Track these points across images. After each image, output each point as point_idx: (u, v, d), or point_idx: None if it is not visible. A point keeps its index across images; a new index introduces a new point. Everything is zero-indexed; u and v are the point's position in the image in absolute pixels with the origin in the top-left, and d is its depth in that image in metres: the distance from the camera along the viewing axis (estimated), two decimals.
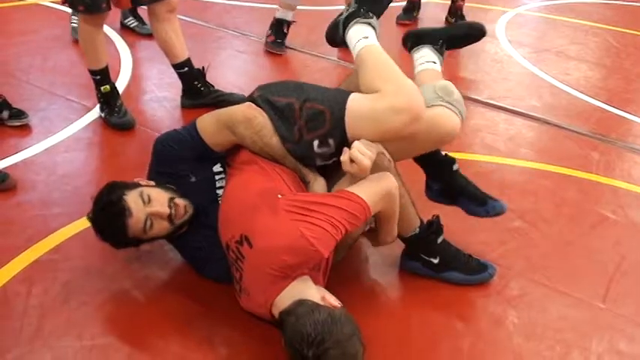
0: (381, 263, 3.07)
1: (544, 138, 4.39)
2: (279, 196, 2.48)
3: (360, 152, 2.48)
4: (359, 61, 2.79)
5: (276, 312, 2.38)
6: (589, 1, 7.47)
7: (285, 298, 2.36)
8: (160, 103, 4.43)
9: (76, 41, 5.17)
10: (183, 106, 4.34)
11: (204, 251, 2.73)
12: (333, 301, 2.36)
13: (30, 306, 2.69)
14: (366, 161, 2.48)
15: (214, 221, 2.68)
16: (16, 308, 2.68)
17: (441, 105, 2.72)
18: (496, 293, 2.91)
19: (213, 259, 2.63)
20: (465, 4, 6.30)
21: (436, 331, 2.72)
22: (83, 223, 3.14)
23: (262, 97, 2.74)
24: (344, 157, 2.51)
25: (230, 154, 2.79)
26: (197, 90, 4.31)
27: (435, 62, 3.08)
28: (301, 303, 2.30)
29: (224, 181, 2.82)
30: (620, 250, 3.24)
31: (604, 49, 6.20)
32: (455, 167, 3.02)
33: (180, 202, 2.69)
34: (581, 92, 5.03)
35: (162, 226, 2.67)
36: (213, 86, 4.36)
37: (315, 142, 2.65)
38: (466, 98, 4.64)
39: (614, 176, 3.92)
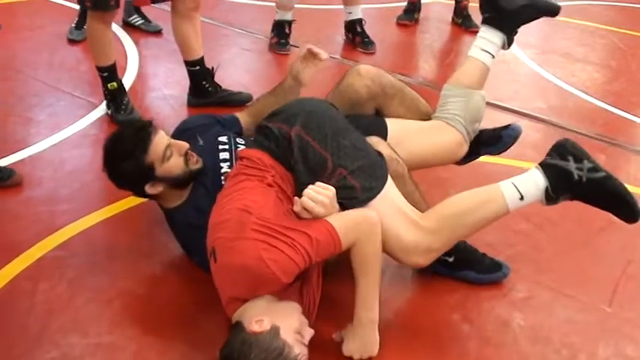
0: (385, 265, 3.06)
1: (550, 140, 4.31)
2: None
3: (313, 200, 2.42)
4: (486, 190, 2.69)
5: None
6: (595, 3, 7.46)
7: (236, 316, 2.37)
8: (166, 100, 4.42)
9: (70, 41, 5.19)
10: (190, 105, 4.34)
11: (199, 230, 2.60)
12: (257, 326, 2.24)
13: (36, 302, 2.70)
14: (318, 209, 2.41)
15: (212, 194, 2.69)
16: (22, 304, 2.69)
17: (458, 130, 2.93)
18: (502, 296, 2.91)
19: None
20: (471, 4, 6.27)
21: (442, 334, 2.72)
22: (90, 220, 3.17)
23: (300, 139, 2.59)
24: (297, 208, 2.44)
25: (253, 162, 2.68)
26: (205, 89, 4.31)
27: (493, 56, 3.07)
28: (234, 325, 2.33)
29: (227, 154, 2.90)
30: (627, 253, 3.24)
31: (610, 52, 6.18)
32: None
33: (193, 153, 2.79)
34: (587, 94, 5.02)
35: (177, 162, 2.72)
36: (220, 86, 4.35)
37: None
38: None
39: (621, 179, 3.89)
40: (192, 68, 4.27)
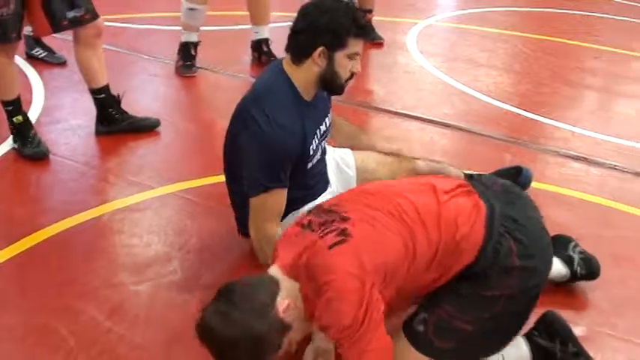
0: None
1: (457, 144, 4.48)
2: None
3: None
4: None
5: None
6: (497, 9, 7.65)
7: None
8: (73, 131, 4.37)
9: None
10: (98, 133, 4.29)
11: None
12: (284, 306, 2.12)
13: None
14: None
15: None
16: None
17: None
18: None
19: None
20: (375, 18, 6.36)
21: None
22: None
23: (497, 298, 2.29)
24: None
25: None
26: (112, 117, 4.27)
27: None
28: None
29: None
30: None
31: (513, 55, 6.36)
32: None
33: None
34: (492, 98, 5.15)
35: None
36: (127, 113, 4.33)
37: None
38: (380, 110, 4.74)
39: None
40: (98, 96, 4.24)
